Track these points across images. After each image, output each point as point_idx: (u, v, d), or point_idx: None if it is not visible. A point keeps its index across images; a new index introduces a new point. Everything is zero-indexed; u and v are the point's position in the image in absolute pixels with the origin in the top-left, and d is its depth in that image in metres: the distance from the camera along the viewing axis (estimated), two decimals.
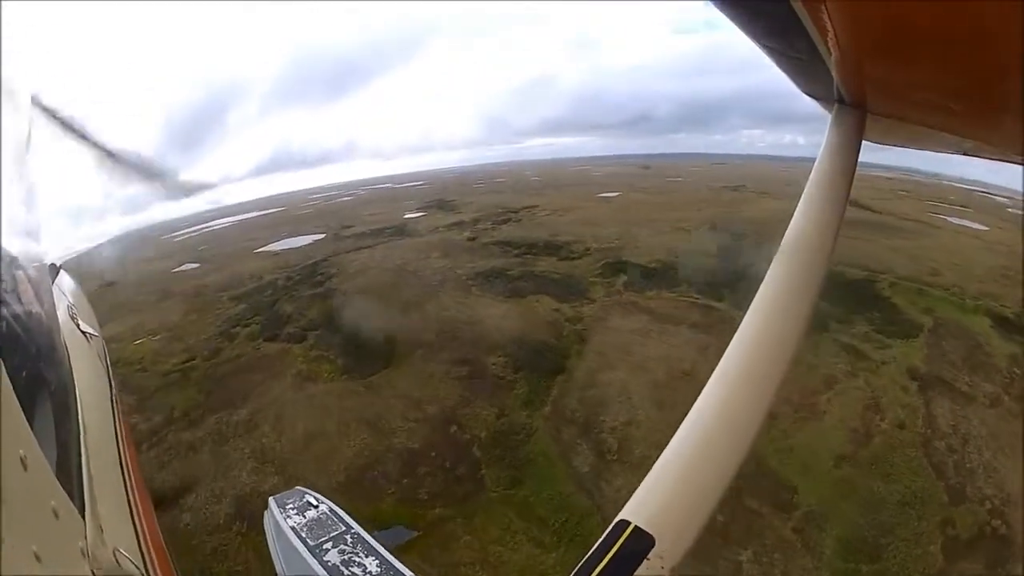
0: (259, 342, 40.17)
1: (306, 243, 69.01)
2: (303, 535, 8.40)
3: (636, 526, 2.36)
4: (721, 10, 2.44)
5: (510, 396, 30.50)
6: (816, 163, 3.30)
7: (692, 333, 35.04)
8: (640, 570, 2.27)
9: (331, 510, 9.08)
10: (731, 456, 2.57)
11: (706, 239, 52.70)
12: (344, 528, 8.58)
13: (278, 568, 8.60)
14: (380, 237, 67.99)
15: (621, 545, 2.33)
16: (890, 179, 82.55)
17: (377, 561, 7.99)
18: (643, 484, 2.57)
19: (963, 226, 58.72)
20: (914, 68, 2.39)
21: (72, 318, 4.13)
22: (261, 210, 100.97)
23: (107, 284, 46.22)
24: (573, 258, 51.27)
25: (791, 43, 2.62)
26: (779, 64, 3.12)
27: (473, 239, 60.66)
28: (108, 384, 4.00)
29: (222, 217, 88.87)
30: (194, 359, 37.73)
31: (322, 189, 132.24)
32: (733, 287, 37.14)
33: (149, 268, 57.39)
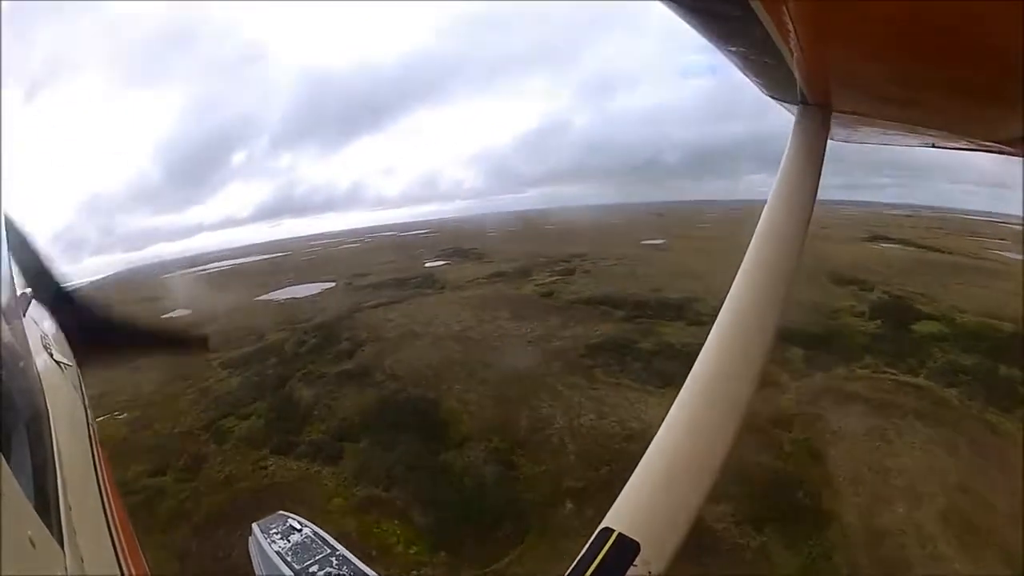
0: (263, 453, 24.08)
1: (314, 292, 54.64)
2: (288, 559, 7.90)
3: (620, 533, 2.27)
4: (678, 14, 2.29)
5: None
6: (781, 166, 3.12)
7: (924, 426, 24.88)
8: None
9: (315, 533, 8.47)
10: (712, 456, 2.46)
11: (833, 291, 42.64)
12: (329, 550, 8.04)
13: None
14: (405, 289, 54.32)
15: (606, 553, 2.21)
16: (910, 216, 79.87)
17: None
18: (624, 491, 2.46)
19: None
20: (881, 62, 2.33)
21: (45, 347, 3.82)
22: (262, 254, 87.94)
23: None
24: (704, 322, 36.22)
25: (751, 45, 2.58)
26: (741, 68, 3.00)
27: (548, 295, 45.54)
28: (84, 413, 3.71)
29: (223, 260, 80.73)
30: (163, 472, 23.15)
31: (325, 235, 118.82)
32: (917, 355, 30.28)
33: (135, 312, 43.73)
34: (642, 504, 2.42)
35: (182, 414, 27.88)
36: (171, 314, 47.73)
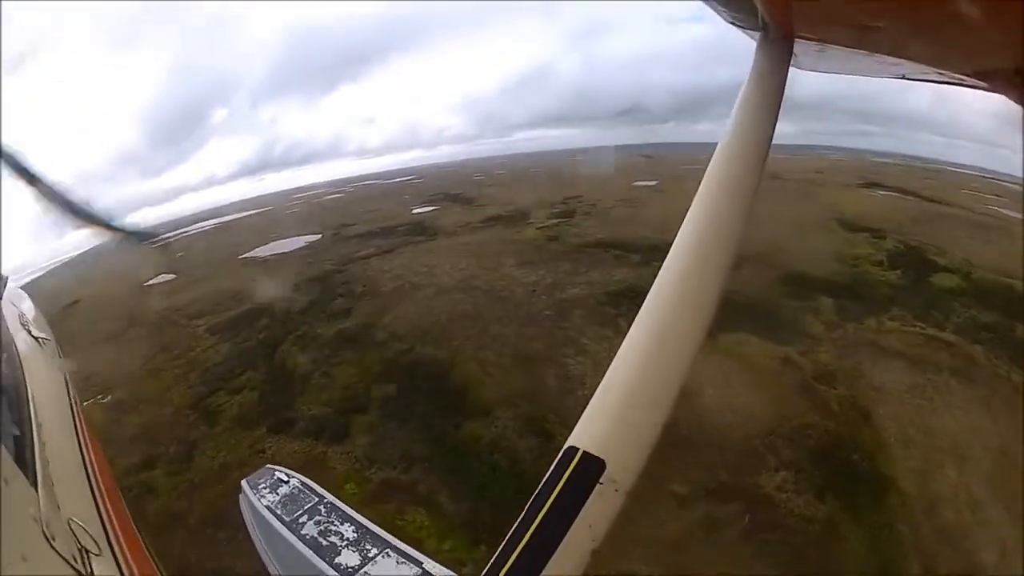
0: (259, 434, 21.27)
1: (300, 246, 50.68)
2: (278, 512, 8.18)
3: (585, 451, 2.26)
4: None
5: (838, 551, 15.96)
6: (741, 93, 3.03)
7: (960, 384, 23.51)
8: (594, 495, 2.19)
9: (302, 483, 8.76)
10: (672, 376, 2.47)
11: (847, 239, 41.05)
12: (317, 499, 8.33)
13: (259, 548, 8.35)
14: (394, 237, 50.79)
15: (572, 472, 2.22)
16: (899, 165, 77.05)
17: (353, 527, 7.92)
18: (587, 409, 2.47)
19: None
20: None
21: (23, 325, 4.14)
22: (245, 211, 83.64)
23: (70, 305, 36.90)
24: None
25: None
26: None
27: (554, 239, 42.27)
28: (65, 383, 3.92)
29: (204, 220, 75.22)
30: (152, 466, 20.29)
31: (307, 188, 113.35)
32: (940, 309, 28.70)
33: (119, 283, 42.77)
34: (606, 423, 2.40)
35: (169, 391, 24.87)
36: (154, 280, 44.46)
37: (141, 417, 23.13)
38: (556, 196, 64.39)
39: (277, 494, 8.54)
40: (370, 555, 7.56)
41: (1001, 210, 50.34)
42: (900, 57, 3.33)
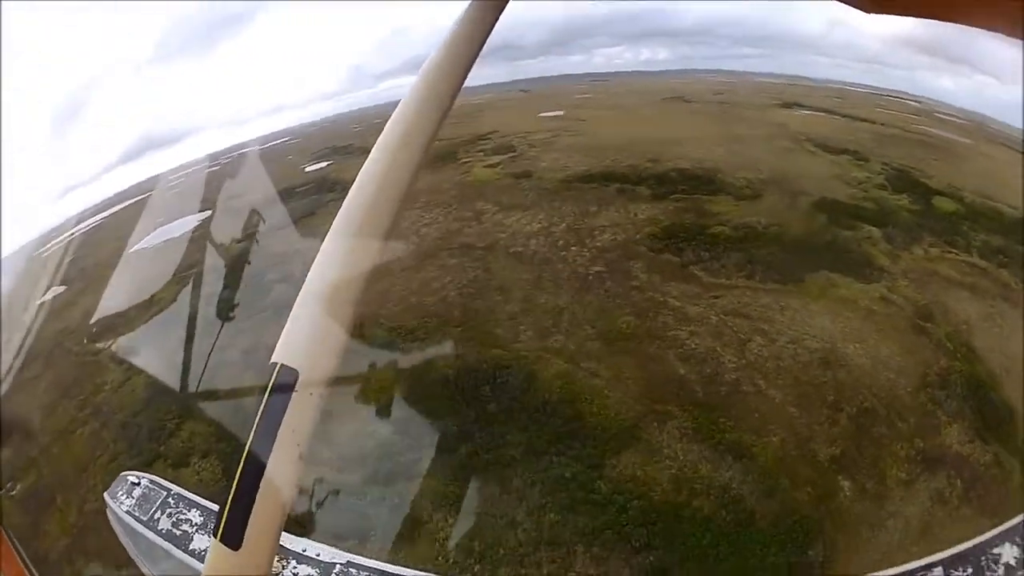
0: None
1: (190, 229, 38.86)
2: (136, 515, 8.31)
3: (282, 364, 2.40)
4: None
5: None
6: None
7: (1012, 309, 22.07)
8: (293, 401, 2.32)
9: (151, 481, 8.80)
10: (350, 288, 2.57)
11: (834, 161, 38.36)
12: (165, 492, 8.46)
13: (131, 553, 8.41)
14: (299, 199, 41.03)
15: (273, 384, 2.37)
16: (792, 85, 72.08)
17: (199, 511, 8.24)
18: (285, 328, 2.55)
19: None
20: None
21: None
22: (126, 201, 66.91)
23: None
24: (749, 196, 29.27)
25: None
26: None
27: (525, 175, 35.09)
28: None
29: (89, 218, 60.20)
30: None
31: (184, 166, 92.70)
32: (958, 234, 27.25)
33: (12, 303, 29.60)
34: (297, 335, 2.47)
35: (87, 473, 14.93)
36: (44, 297, 32.35)
37: (60, 525, 13.32)
38: (464, 134, 56.92)
39: (133, 497, 8.50)
40: None
41: (931, 130, 50.79)
42: None
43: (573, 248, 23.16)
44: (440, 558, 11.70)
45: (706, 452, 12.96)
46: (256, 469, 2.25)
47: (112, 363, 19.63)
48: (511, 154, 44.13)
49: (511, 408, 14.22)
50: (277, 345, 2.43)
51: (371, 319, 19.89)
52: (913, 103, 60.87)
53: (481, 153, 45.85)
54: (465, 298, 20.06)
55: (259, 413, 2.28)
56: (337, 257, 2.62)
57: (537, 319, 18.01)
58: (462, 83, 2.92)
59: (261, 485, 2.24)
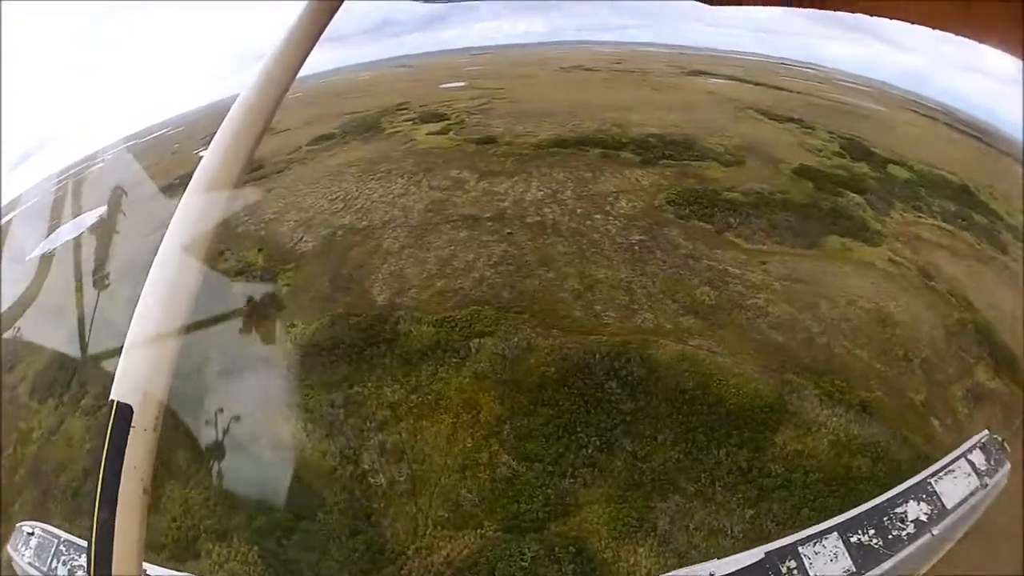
0: None
1: (84, 230, 31.97)
2: (36, 565, 8.29)
3: (118, 401, 2.42)
4: None
5: None
6: None
7: (985, 268, 24.45)
8: (131, 438, 2.33)
9: (43, 530, 8.74)
10: (171, 318, 2.51)
11: (782, 128, 39.64)
12: (57, 540, 8.36)
13: None
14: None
15: (113, 422, 2.39)
16: (684, 54, 75.21)
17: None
18: (119, 366, 2.52)
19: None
20: None
21: None
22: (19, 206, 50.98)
23: None
24: (733, 162, 29.47)
25: None
26: None
27: (489, 141, 32.83)
28: None
29: None
30: None
31: (66, 168, 73.35)
32: (923, 199, 28.94)
33: None
34: (128, 370, 2.50)
35: None
36: None
37: None
38: (374, 105, 51.99)
39: (30, 547, 8.49)
40: None
41: (844, 98, 53.26)
42: None
43: (597, 216, 21.59)
44: None
45: (849, 415, 12.60)
46: (110, 505, 2.30)
47: (31, 400, 15.05)
48: (446, 121, 41.47)
49: (648, 404, 12.49)
50: (115, 379, 2.39)
51: (404, 310, 16.82)
52: (809, 70, 64.48)
53: (409, 123, 42.57)
54: (506, 277, 17.71)
55: (104, 452, 2.29)
56: (159, 287, 2.56)
57: (608, 295, 16.31)
58: (300, 66, 2.86)
59: (116, 524, 2.30)
